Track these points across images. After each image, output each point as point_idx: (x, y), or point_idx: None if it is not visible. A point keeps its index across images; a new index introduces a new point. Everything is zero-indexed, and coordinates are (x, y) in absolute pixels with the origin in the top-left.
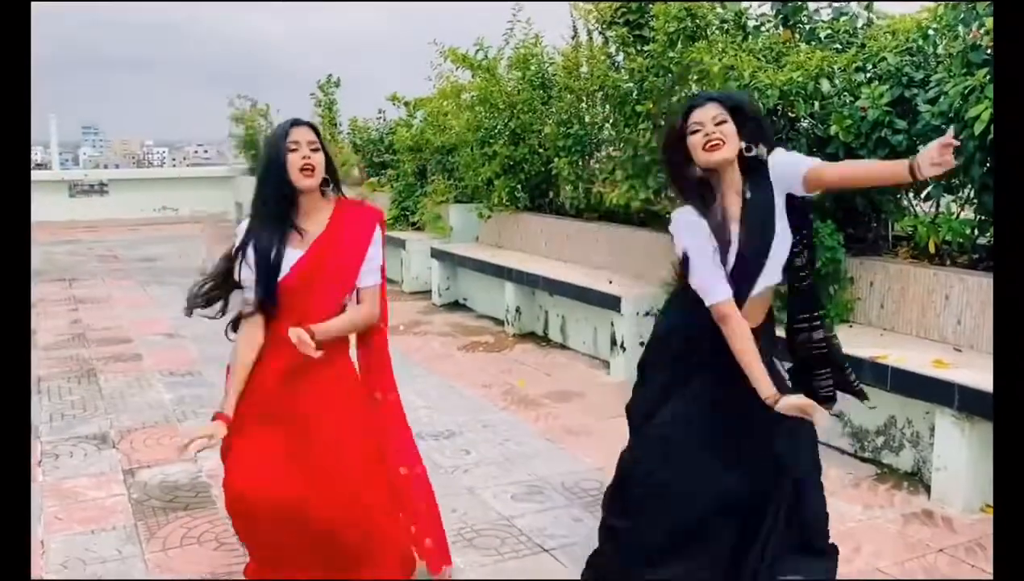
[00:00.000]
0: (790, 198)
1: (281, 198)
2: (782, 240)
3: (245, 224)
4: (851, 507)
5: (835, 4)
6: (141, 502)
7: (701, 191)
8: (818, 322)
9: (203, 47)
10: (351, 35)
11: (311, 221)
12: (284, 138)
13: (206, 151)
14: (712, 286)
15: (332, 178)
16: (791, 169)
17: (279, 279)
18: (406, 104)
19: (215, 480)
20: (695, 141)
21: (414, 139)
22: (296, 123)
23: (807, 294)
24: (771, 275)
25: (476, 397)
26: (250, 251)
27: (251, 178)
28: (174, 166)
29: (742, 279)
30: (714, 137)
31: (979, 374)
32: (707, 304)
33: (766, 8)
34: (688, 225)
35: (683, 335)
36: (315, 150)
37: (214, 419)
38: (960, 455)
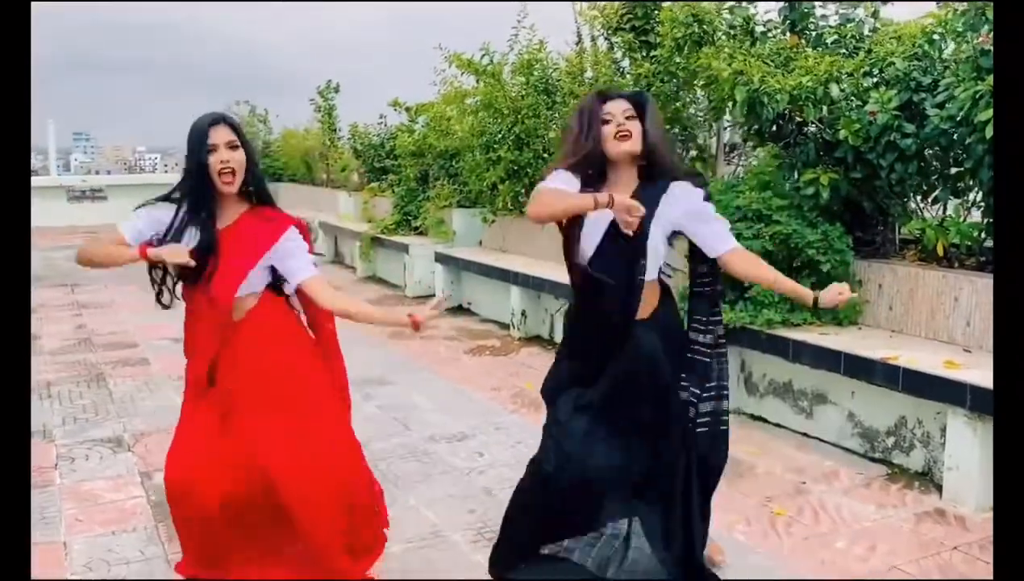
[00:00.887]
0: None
1: (201, 196)
2: (656, 246)
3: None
4: (864, 506)
5: (841, 11)
6: (160, 504)
7: (593, 176)
8: (712, 326)
9: (196, 51)
10: (349, 39)
11: (223, 218)
12: (204, 138)
13: None
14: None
15: (253, 182)
16: (710, 236)
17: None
18: (408, 109)
19: None
20: (606, 131)
21: (416, 144)
22: (214, 122)
23: (705, 298)
24: (650, 274)
25: (485, 400)
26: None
27: None
28: (166, 172)
29: (626, 276)
30: (624, 129)
31: (990, 374)
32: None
33: (773, 14)
34: (560, 176)
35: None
36: (233, 148)
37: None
38: (972, 454)
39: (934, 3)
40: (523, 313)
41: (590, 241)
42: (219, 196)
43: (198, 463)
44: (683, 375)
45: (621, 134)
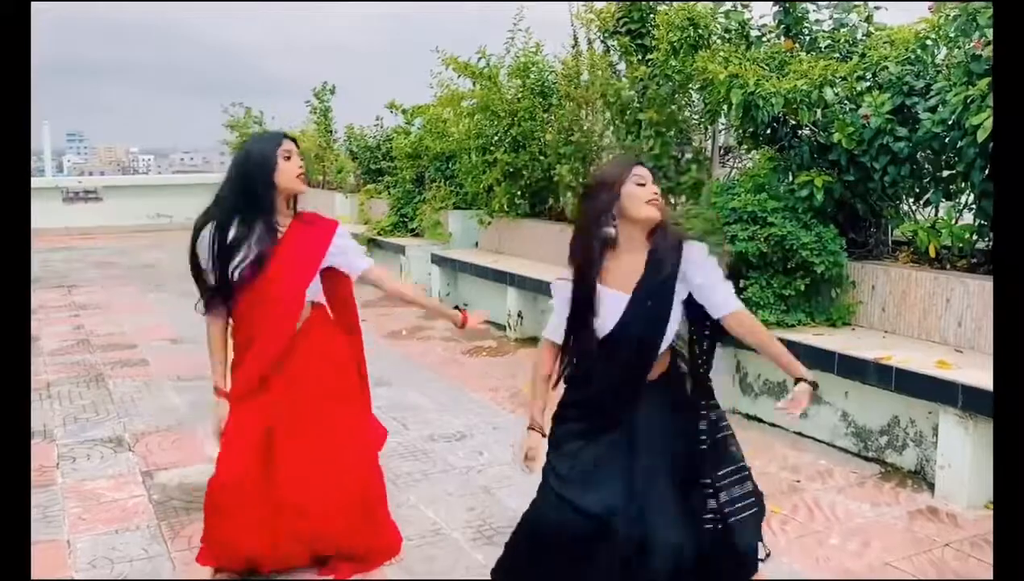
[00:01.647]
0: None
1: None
2: (675, 322)
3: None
4: (858, 505)
5: (835, 16)
6: (162, 503)
7: (601, 250)
8: (713, 408)
9: (189, 53)
10: (342, 42)
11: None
12: (277, 147)
13: (192, 158)
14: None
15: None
16: (713, 298)
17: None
18: (404, 111)
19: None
20: (639, 193)
21: (413, 146)
22: (284, 135)
23: (703, 380)
24: (666, 339)
25: (484, 400)
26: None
27: None
28: (159, 173)
29: (639, 350)
30: (657, 197)
31: (981, 374)
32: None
33: (768, 19)
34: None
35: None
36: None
37: (218, 395)
38: (964, 453)
39: (927, 7)
40: (520, 314)
41: (614, 310)
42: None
43: (244, 476)
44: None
45: (654, 201)
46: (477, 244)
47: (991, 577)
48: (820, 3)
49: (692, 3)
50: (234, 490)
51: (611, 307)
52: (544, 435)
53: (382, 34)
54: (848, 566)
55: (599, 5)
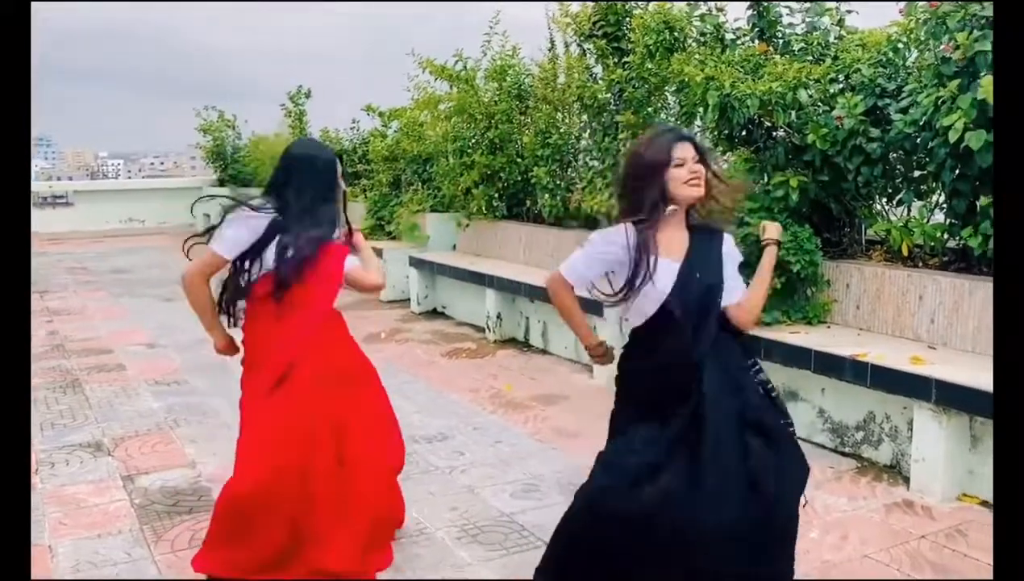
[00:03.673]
0: None
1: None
2: (734, 284)
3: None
4: (836, 499)
5: (808, 19)
6: (144, 507)
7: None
8: (760, 367)
9: (159, 57)
10: (313, 47)
11: None
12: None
13: (162, 163)
14: (573, 261)
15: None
16: (737, 287)
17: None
18: (380, 114)
19: (216, 484)
20: (678, 174)
21: (389, 149)
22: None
23: (748, 341)
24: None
25: (464, 401)
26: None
27: (220, 189)
28: (129, 178)
29: (699, 313)
30: (696, 175)
31: (954, 369)
32: (560, 266)
33: (742, 22)
34: (607, 235)
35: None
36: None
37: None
38: (938, 447)
39: (897, 10)
40: (499, 316)
41: (663, 283)
42: None
43: (270, 485)
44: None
45: (695, 181)
46: (455, 247)
47: (991, 577)
48: (792, 6)
49: (668, 6)
50: (259, 500)
51: (664, 273)
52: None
53: (355, 38)
54: (827, 558)
55: (575, 8)
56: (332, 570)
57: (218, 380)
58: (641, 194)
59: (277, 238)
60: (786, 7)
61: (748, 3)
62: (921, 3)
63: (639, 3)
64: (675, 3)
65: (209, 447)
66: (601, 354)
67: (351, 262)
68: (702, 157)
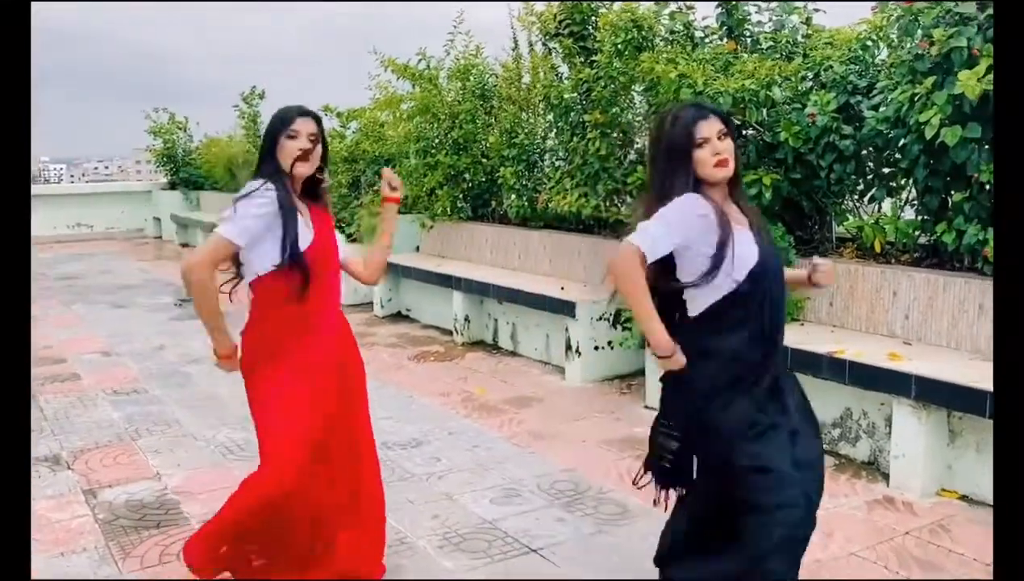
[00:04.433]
0: None
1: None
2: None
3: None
4: None
5: (775, 17)
6: (109, 522)
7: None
8: None
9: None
10: (264, 48)
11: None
12: (287, 122)
13: (107, 167)
14: (650, 232)
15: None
16: None
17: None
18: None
19: (183, 496)
20: (702, 156)
21: (348, 150)
22: (302, 113)
23: None
24: None
25: (436, 406)
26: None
27: (170, 193)
28: (72, 182)
29: (763, 276)
30: (722, 155)
31: (932, 365)
32: (632, 239)
33: (711, 20)
34: (687, 203)
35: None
36: (313, 141)
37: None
38: (917, 442)
39: (870, 8)
40: (467, 318)
41: (747, 252)
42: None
43: (308, 484)
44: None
45: (719, 161)
46: (418, 248)
47: (976, 572)
48: (760, 4)
49: (635, 5)
50: (294, 500)
51: (744, 241)
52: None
53: (309, 40)
54: (816, 557)
55: (539, 7)
56: (353, 572)
57: (178, 388)
58: (672, 180)
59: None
60: (755, 5)
61: (716, 2)
62: (894, 1)
63: (605, 2)
64: (642, 2)
65: (173, 458)
66: (670, 353)
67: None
68: (729, 131)
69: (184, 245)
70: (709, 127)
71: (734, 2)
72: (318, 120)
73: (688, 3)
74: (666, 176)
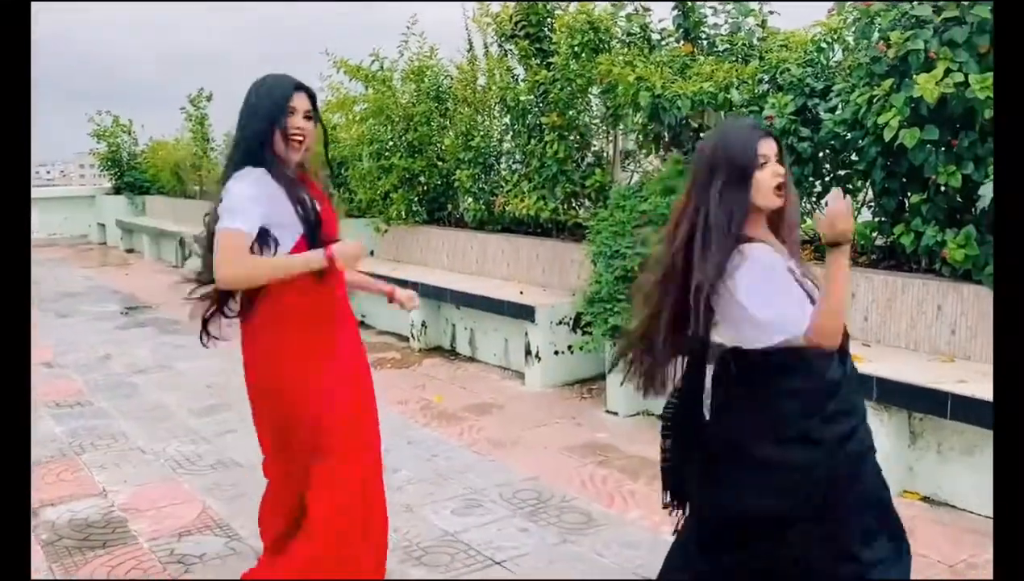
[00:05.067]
0: None
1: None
2: None
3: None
4: None
5: (731, 20)
6: (52, 543)
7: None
8: None
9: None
10: (210, 50)
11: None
12: (285, 101)
13: (48, 172)
14: (796, 316)
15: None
16: None
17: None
18: None
19: (131, 513)
20: (764, 178)
21: None
22: (298, 87)
23: None
24: None
25: (394, 414)
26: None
27: (115, 197)
28: None
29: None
30: (783, 183)
31: (893, 366)
32: (799, 335)
33: (667, 22)
34: (765, 256)
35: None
36: (308, 119)
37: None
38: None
39: (824, 9)
40: (423, 324)
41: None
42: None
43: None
44: None
45: (780, 190)
46: (372, 253)
47: (940, 573)
48: (716, 6)
49: (591, 6)
50: (365, 503)
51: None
52: None
53: (255, 42)
54: None
55: (495, 8)
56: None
57: (125, 400)
58: (728, 204)
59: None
60: (711, 7)
61: (673, 4)
62: (850, 3)
63: (561, 3)
64: (598, 3)
65: (120, 473)
66: None
67: None
68: (781, 157)
69: (130, 250)
70: (769, 146)
71: (690, 4)
72: (312, 95)
73: (644, 4)
74: (722, 202)
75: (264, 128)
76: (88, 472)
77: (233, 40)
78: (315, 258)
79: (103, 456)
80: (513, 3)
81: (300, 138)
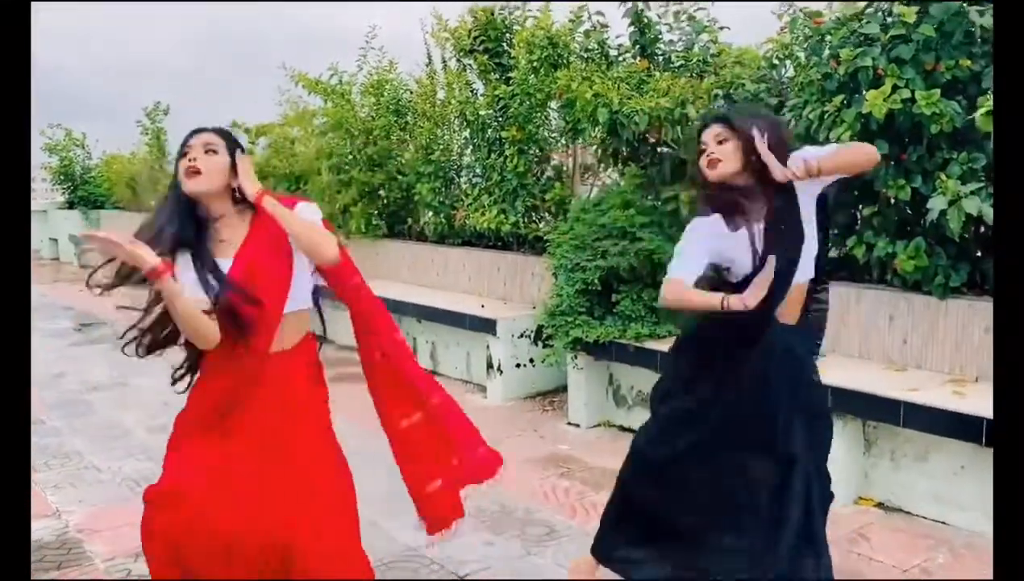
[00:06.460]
0: (820, 197)
1: (182, 206)
2: (811, 243)
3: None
4: None
5: (684, 37)
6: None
7: (728, 203)
8: (825, 287)
9: None
10: (160, 63)
11: (229, 230)
12: (182, 147)
13: None
14: (676, 264)
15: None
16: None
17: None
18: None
19: (85, 534)
20: (701, 161)
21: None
22: (196, 132)
23: (821, 268)
24: (803, 274)
25: (353, 429)
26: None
27: (68, 212)
28: None
29: (776, 284)
30: (712, 156)
31: (847, 375)
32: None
33: (624, 39)
34: (695, 225)
35: (699, 339)
36: (210, 152)
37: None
38: (836, 452)
39: (775, 23)
40: None
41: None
42: (211, 215)
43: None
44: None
45: (710, 162)
46: None
47: (900, 578)
48: (671, 22)
49: (551, 22)
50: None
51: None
52: None
53: (205, 55)
54: None
55: (454, 23)
56: None
57: (78, 418)
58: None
59: None
60: (665, 24)
61: (629, 21)
62: (802, 20)
63: (518, 19)
64: (556, 19)
65: (75, 493)
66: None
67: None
68: (733, 132)
69: (83, 266)
70: (708, 133)
71: (646, 21)
72: (220, 131)
73: (601, 21)
74: (700, 183)
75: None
76: (41, 492)
77: (183, 57)
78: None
79: (56, 475)
80: (471, 18)
81: (189, 167)
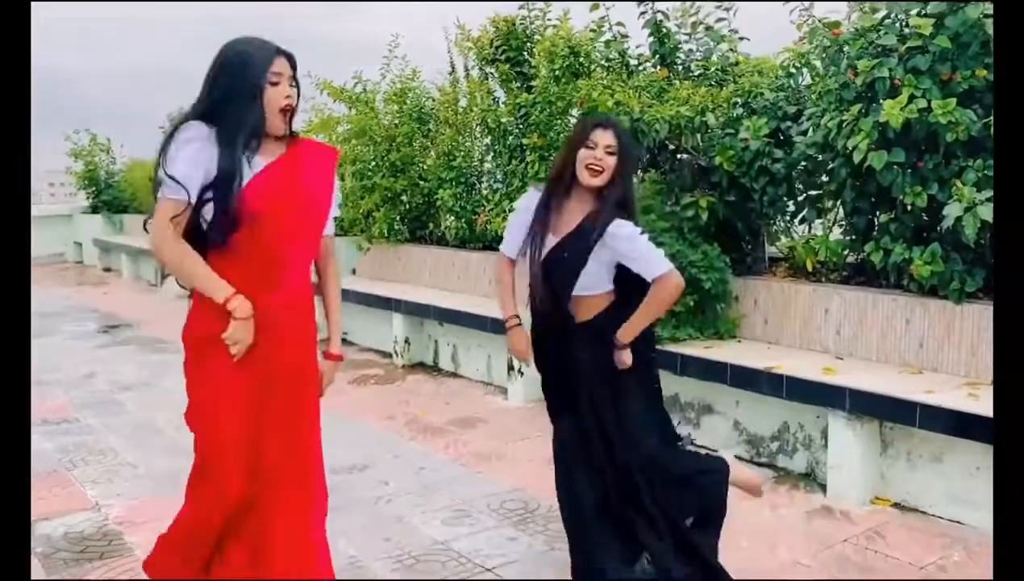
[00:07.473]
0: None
1: (252, 128)
2: (593, 275)
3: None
4: (758, 509)
5: (702, 47)
6: (49, 556)
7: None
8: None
9: None
10: (174, 68)
11: (267, 152)
12: (267, 67)
13: None
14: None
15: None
16: (638, 265)
17: (237, 203)
18: None
19: (125, 526)
20: (583, 155)
21: None
22: (279, 52)
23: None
24: (586, 289)
25: (380, 429)
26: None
27: (92, 216)
28: None
29: (560, 283)
30: (597, 164)
31: (865, 378)
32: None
33: (644, 49)
34: (527, 198)
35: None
36: (293, 86)
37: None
38: (852, 453)
39: (794, 32)
40: (407, 340)
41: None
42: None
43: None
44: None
45: (593, 169)
46: (354, 271)
47: (911, 575)
48: (690, 33)
49: (572, 31)
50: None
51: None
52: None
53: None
54: (763, 567)
55: (476, 32)
56: None
57: (112, 416)
58: (559, 164)
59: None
60: (685, 34)
61: (649, 31)
62: (822, 30)
63: (540, 28)
64: (577, 28)
65: (112, 488)
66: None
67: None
68: (622, 152)
69: (107, 270)
70: (602, 137)
71: (665, 31)
72: (293, 61)
73: (622, 32)
74: (558, 163)
75: (247, 90)
76: (80, 487)
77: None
78: (217, 289)
79: (94, 471)
80: (493, 29)
81: (285, 106)
